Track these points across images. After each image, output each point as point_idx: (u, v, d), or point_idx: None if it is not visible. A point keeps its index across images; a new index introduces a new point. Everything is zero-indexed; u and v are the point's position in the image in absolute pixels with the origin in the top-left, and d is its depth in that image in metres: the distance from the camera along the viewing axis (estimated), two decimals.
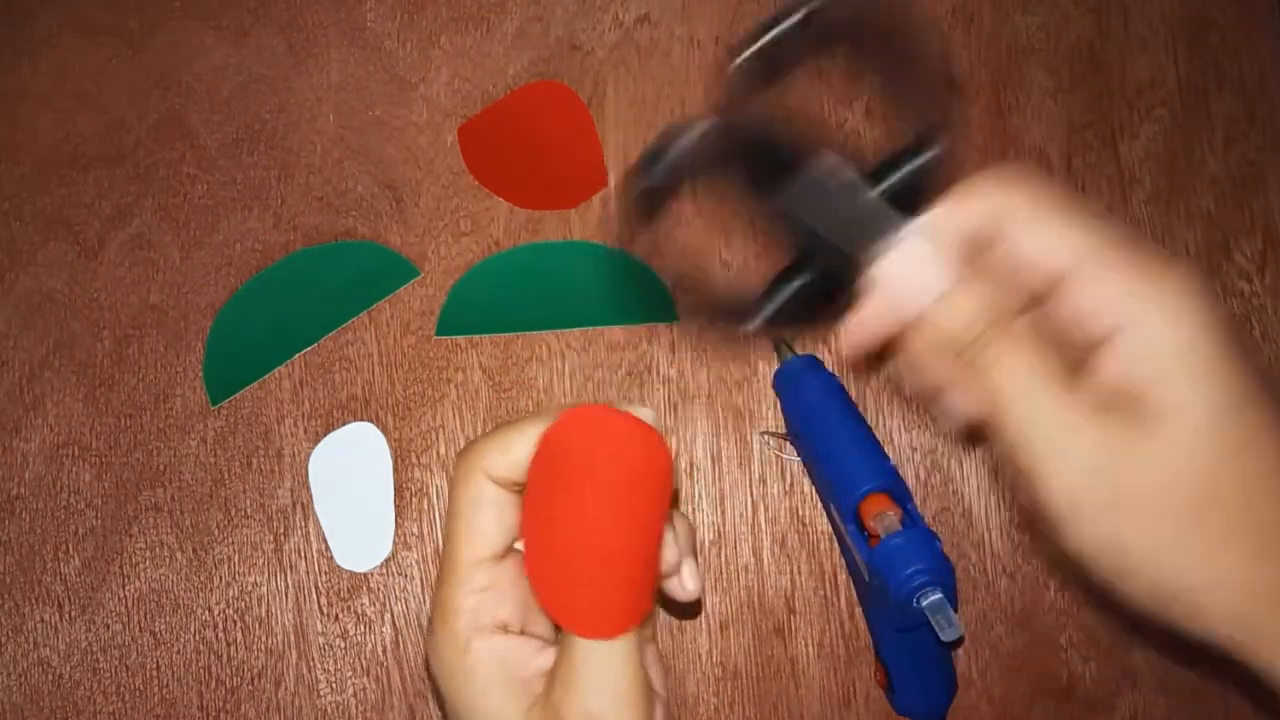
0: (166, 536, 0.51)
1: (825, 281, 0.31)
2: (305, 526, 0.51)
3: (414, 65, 0.56)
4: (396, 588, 0.51)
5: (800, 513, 0.51)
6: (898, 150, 0.33)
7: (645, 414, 0.32)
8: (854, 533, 0.45)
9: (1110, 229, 0.30)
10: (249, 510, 0.51)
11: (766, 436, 0.52)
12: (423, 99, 0.55)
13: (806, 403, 0.49)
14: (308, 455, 0.52)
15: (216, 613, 0.51)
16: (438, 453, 0.52)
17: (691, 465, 0.52)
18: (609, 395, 0.52)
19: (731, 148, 0.33)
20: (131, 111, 0.55)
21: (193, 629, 0.51)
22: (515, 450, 0.32)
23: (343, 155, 0.55)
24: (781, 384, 0.50)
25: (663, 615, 0.51)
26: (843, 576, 0.50)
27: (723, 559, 0.51)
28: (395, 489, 0.51)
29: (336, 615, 0.51)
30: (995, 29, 0.55)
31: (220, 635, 0.51)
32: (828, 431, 0.47)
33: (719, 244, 0.53)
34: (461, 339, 0.53)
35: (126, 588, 0.51)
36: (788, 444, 0.51)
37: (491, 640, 0.33)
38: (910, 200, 0.31)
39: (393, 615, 0.51)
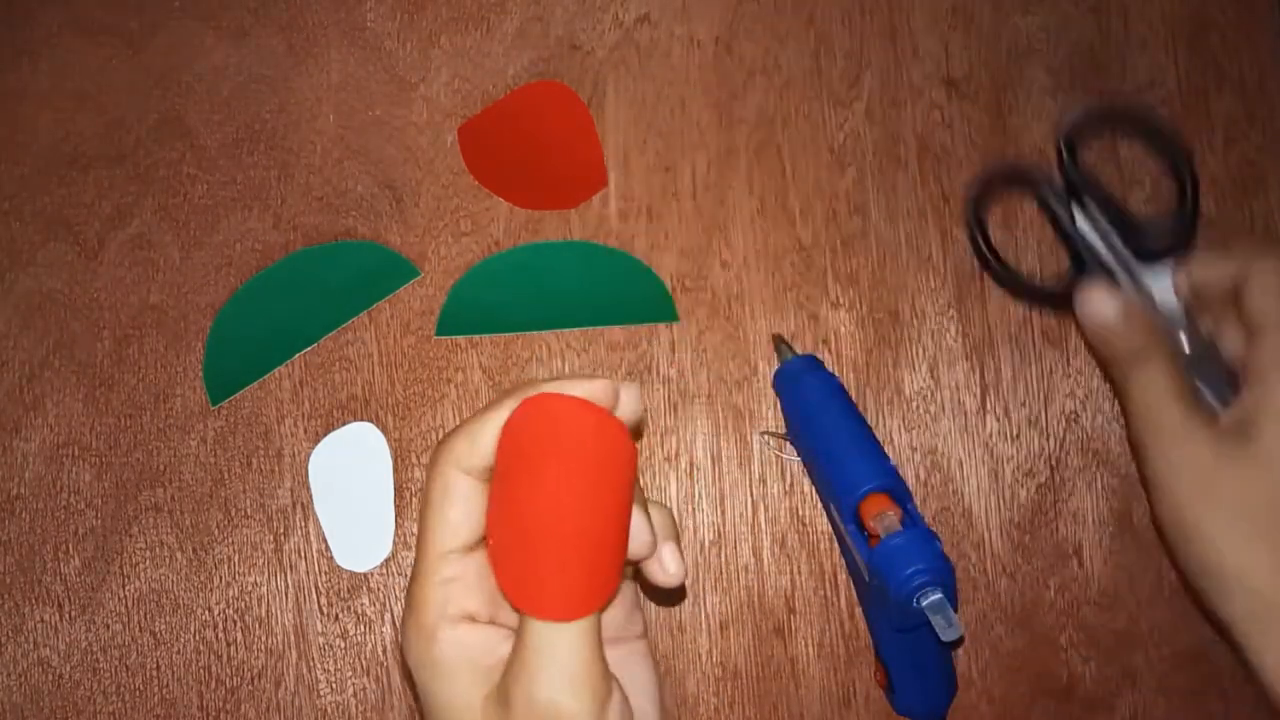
0: (166, 536, 0.51)
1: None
2: (305, 526, 0.51)
3: (414, 65, 0.56)
4: (396, 588, 0.51)
5: (800, 513, 0.51)
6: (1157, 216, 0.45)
7: (592, 387, 0.32)
8: (854, 533, 0.45)
9: None
10: (249, 510, 0.51)
11: (766, 436, 0.52)
12: (423, 99, 0.55)
13: (806, 403, 0.49)
14: (308, 455, 0.52)
15: (216, 613, 0.51)
16: None
17: (691, 465, 0.52)
18: None
19: (1067, 183, 0.45)
20: (131, 111, 0.55)
21: (193, 629, 0.51)
22: (481, 440, 0.33)
23: (343, 155, 0.55)
24: (781, 384, 0.50)
25: (662, 615, 0.51)
26: (843, 576, 0.50)
27: (723, 559, 0.51)
28: (395, 489, 0.51)
29: (336, 615, 0.51)
30: (995, 29, 0.55)
31: (220, 635, 0.51)
32: (828, 431, 0.47)
33: (719, 244, 0.53)
34: (461, 339, 0.53)
35: (126, 588, 0.51)
36: (788, 444, 0.51)
37: (457, 630, 0.33)
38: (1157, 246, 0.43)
39: (393, 615, 0.51)
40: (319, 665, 0.50)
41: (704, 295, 0.53)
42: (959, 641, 0.50)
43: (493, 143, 0.55)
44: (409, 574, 0.51)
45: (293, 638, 0.50)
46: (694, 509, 0.51)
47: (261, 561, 0.51)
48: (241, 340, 0.53)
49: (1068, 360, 0.53)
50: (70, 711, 0.50)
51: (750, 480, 0.52)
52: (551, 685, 0.31)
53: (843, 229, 0.53)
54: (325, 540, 0.51)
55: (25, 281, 0.54)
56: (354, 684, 0.50)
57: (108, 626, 0.51)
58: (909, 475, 0.51)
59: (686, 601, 0.51)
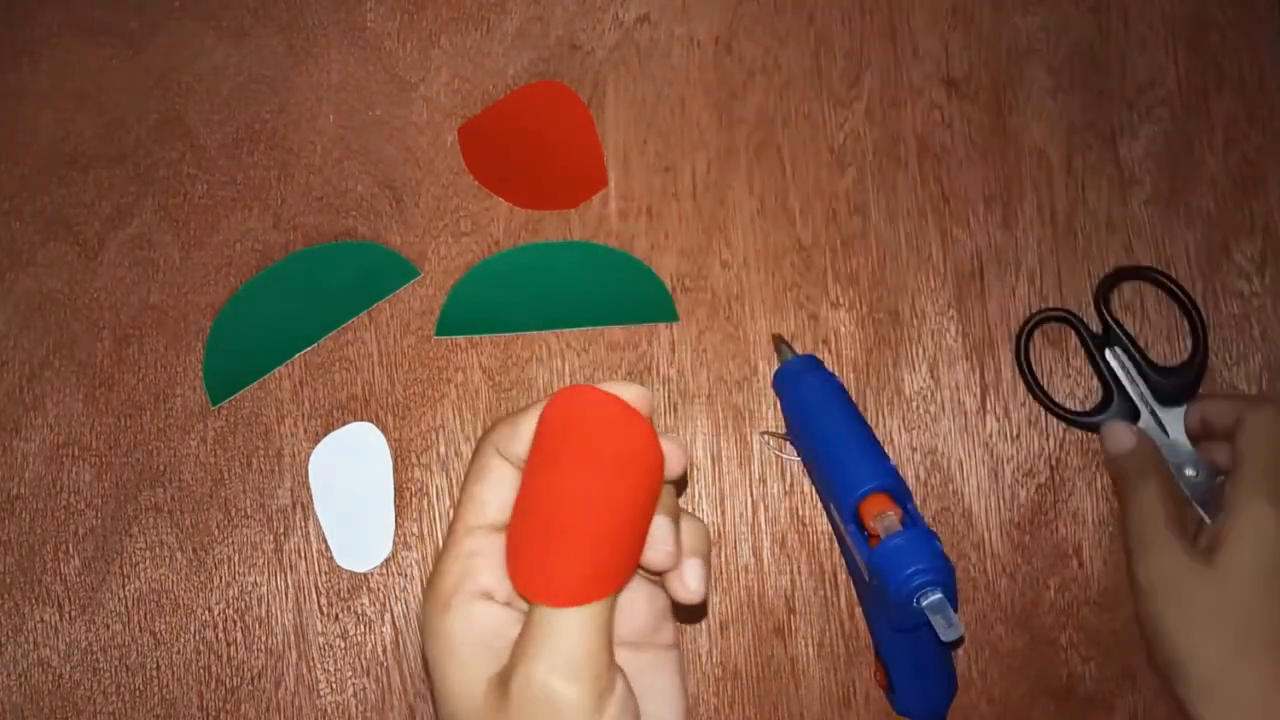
0: (166, 536, 0.51)
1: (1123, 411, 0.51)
2: (305, 526, 0.51)
3: (414, 65, 0.56)
4: (396, 588, 0.51)
5: (800, 513, 0.51)
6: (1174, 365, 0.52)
7: (630, 392, 0.33)
8: (854, 533, 0.45)
9: None
10: (249, 510, 0.51)
11: (766, 436, 0.52)
12: (423, 99, 0.55)
13: (806, 403, 0.49)
14: (308, 455, 0.52)
15: (216, 613, 0.51)
16: (438, 453, 0.52)
17: (691, 465, 0.52)
18: None
19: (1102, 327, 0.52)
20: (131, 111, 0.55)
21: (193, 629, 0.51)
22: (522, 428, 0.34)
23: (343, 155, 0.55)
24: (781, 384, 0.50)
25: None
26: (843, 576, 0.50)
27: (723, 559, 0.51)
28: (395, 489, 0.51)
29: (336, 615, 0.51)
30: (995, 29, 0.55)
31: (220, 635, 0.51)
32: (828, 431, 0.47)
33: (719, 244, 0.53)
34: (461, 339, 0.53)
35: (126, 588, 0.51)
36: (788, 444, 0.51)
37: (471, 604, 0.33)
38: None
39: (393, 615, 0.51)
40: (319, 665, 0.50)
41: (704, 295, 0.53)
42: (959, 641, 0.50)
43: (493, 143, 0.55)
44: (409, 574, 0.51)
45: (293, 638, 0.50)
46: (694, 509, 0.51)
47: (261, 561, 0.51)
48: (241, 340, 0.53)
49: (1067, 360, 0.53)
50: (70, 711, 0.50)
51: (750, 480, 0.52)
52: (550, 668, 0.31)
53: (843, 229, 0.53)
54: (325, 540, 0.51)
55: (25, 281, 0.54)
56: (354, 684, 0.50)
57: (108, 626, 0.51)
58: (909, 475, 0.51)
59: None
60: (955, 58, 0.55)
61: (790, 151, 0.54)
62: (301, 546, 0.51)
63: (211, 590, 0.51)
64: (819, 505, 0.51)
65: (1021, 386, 0.52)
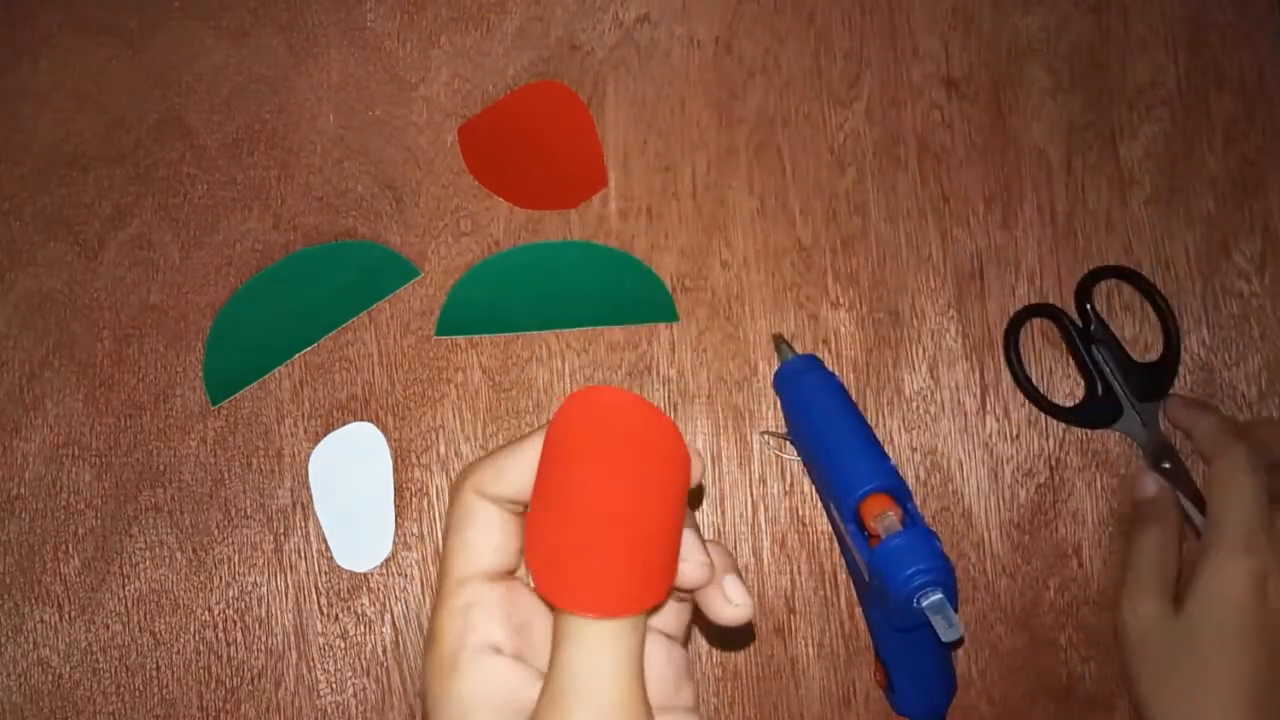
0: (166, 536, 0.51)
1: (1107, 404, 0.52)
2: (305, 526, 0.51)
3: (414, 65, 0.56)
4: (396, 588, 0.51)
5: (800, 513, 0.51)
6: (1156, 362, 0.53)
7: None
8: (854, 533, 0.45)
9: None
10: (249, 510, 0.51)
11: (766, 436, 0.52)
12: (423, 99, 0.55)
13: (806, 402, 0.49)
14: (308, 455, 0.52)
15: (216, 613, 0.51)
16: (438, 453, 0.52)
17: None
18: None
19: (1084, 323, 0.53)
20: (131, 111, 0.55)
21: (193, 629, 0.51)
22: (507, 468, 0.31)
23: (343, 155, 0.55)
24: (781, 384, 0.50)
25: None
26: (843, 576, 0.50)
27: None
28: (395, 489, 0.51)
29: (336, 615, 0.51)
30: (995, 29, 0.55)
31: (220, 635, 0.51)
32: (828, 431, 0.47)
33: (719, 244, 0.53)
34: (461, 339, 0.53)
35: (126, 588, 0.51)
36: (788, 444, 0.51)
37: (481, 661, 0.30)
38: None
39: (393, 615, 0.51)
40: (319, 665, 0.50)
41: (704, 295, 0.53)
42: (959, 642, 0.50)
43: (493, 143, 0.55)
44: (409, 574, 0.51)
45: (293, 638, 0.50)
46: (694, 509, 0.51)
47: (261, 561, 0.51)
48: (241, 340, 0.53)
49: (1067, 360, 0.53)
50: (70, 711, 0.50)
51: (750, 480, 0.52)
52: (585, 715, 0.27)
53: (843, 229, 0.53)
54: (325, 540, 0.51)
55: (25, 281, 0.54)
56: (354, 684, 0.50)
57: (108, 626, 0.51)
58: (909, 475, 0.51)
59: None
60: (955, 58, 0.55)
61: (790, 151, 0.54)
62: (301, 546, 0.51)
63: (211, 590, 0.51)
64: (819, 505, 0.51)
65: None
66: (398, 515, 0.51)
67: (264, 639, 0.51)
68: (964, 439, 0.52)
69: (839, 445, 0.47)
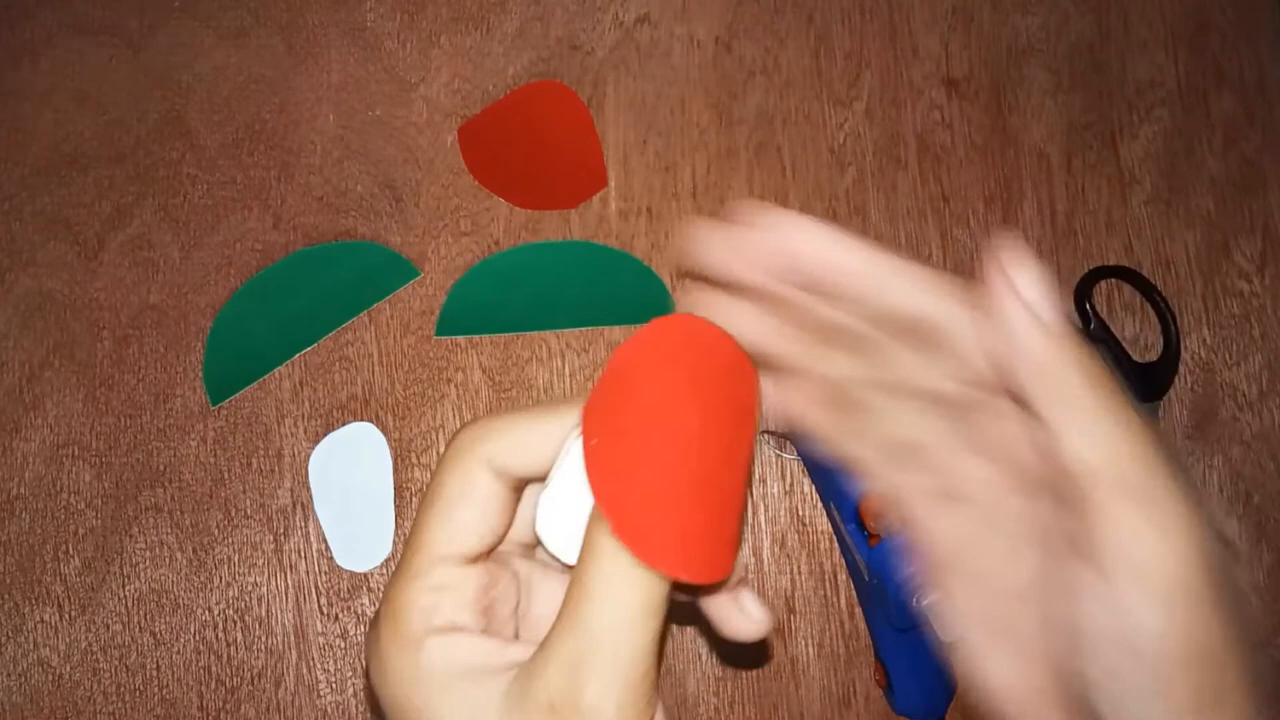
0: (166, 536, 0.51)
1: None
2: (305, 526, 0.51)
3: (414, 65, 0.56)
4: None
5: (800, 513, 0.51)
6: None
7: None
8: (854, 533, 0.45)
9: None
10: (249, 510, 0.51)
11: (766, 436, 0.52)
12: (423, 99, 0.55)
13: None
14: (308, 455, 0.52)
15: (216, 613, 0.51)
16: (438, 453, 0.52)
17: None
18: None
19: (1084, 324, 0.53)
20: (131, 111, 0.55)
21: (193, 629, 0.51)
22: (530, 442, 0.28)
23: (343, 155, 0.55)
24: None
25: None
26: (843, 576, 0.50)
27: None
28: (395, 489, 0.51)
29: (336, 615, 0.51)
30: (995, 29, 0.55)
31: (220, 635, 0.51)
32: None
33: None
34: (461, 339, 0.53)
35: (126, 588, 0.51)
36: (788, 444, 0.51)
37: (450, 637, 0.28)
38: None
39: None
40: (319, 665, 0.50)
41: None
42: None
43: (493, 143, 0.55)
44: None
45: (293, 638, 0.50)
46: None
47: (261, 561, 0.51)
48: (241, 340, 0.53)
49: None
50: (70, 711, 0.50)
51: (750, 480, 0.52)
52: (604, 686, 0.25)
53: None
54: (325, 540, 0.51)
55: (25, 281, 0.54)
56: (354, 684, 0.50)
57: (108, 626, 0.51)
58: None
59: None
60: (955, 58, 0.55)
61: (790, 151, 0.54)
62: (301, 546, 0.51)
63: (211, 590, 0.51)
64: (819, 505, 0.51)
65: None
66: (398, 515, 0.51)
67: (264, 639, 0.51)
68: None
69: None
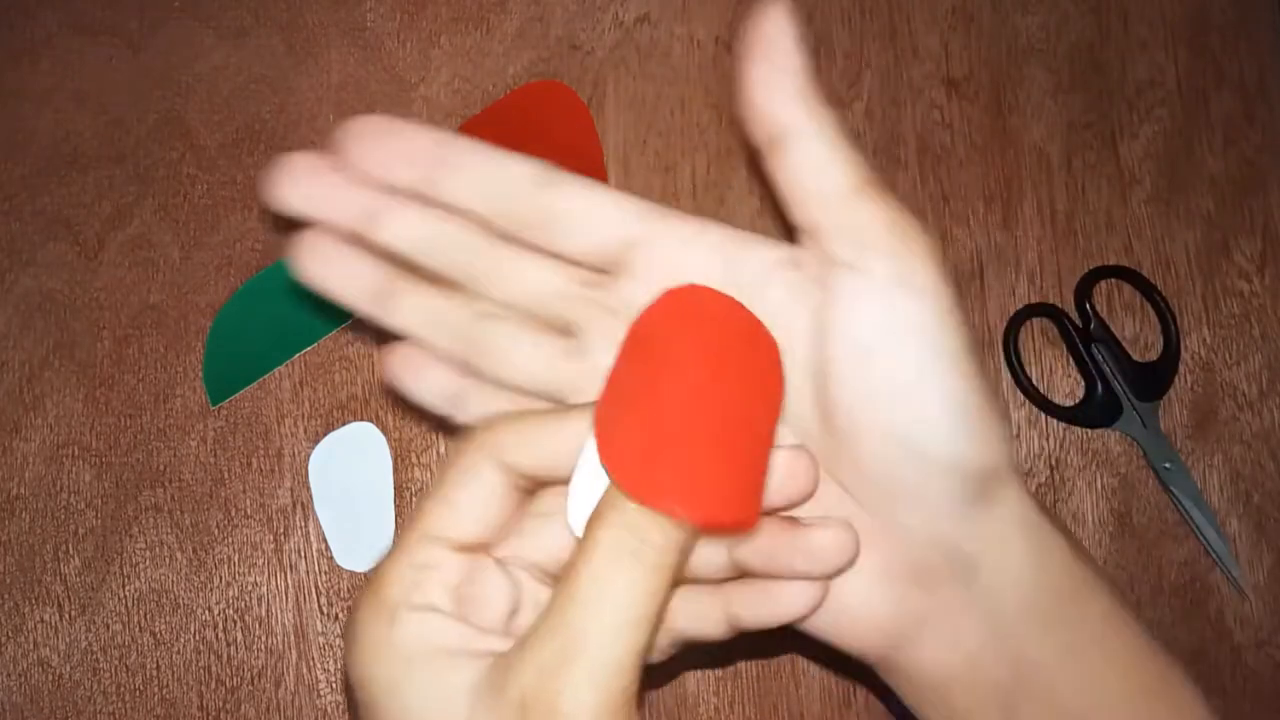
0: (166, 536, 0.51)
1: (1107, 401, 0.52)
2: (305, 526, 0.51)
3: (414, 65, 0.56)
4: None
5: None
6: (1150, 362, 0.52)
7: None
8: None
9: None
10: (249, 510, 0.51)
11: None
12: (423, 99, 0.55)
13: None
14: (308, 455, 0.52)
15: (216, 613, 0.51)
16: (438, 453, 0.52)
17: None
18: None
19: (1083, 322, 0.53)
20: (131, 111, 0.55)
21: (193, 629, 0.51)
22: (539, 441, 0.28)
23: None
24: None
25: None
26: None
27: None
28: (395, 489, 0.51)
29: (336, 615, 0.51)
30: (995, 29, 0.55)
31: (220, 635, 0.51)
32: None
33: None
34: None
35: (126, 588, 0.51)
36: None
37: (424, 614, 0.27)
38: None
39: None
40: (319, 665, 0.50)
41: None
42: None
43: (493, 143, 0.55)
44: None
45: (293, 638, 0.50)
46: None
47: (261, 561, 0.51)
48: (241, 340, 0.53)
49: (1067, 360, 0.53)
50: (70, 711, 0.50)
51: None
52: (577, 684, 0.24)
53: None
54: (325, 540, 0.51)
55: (25, 281, 0.54)
56: None
57: (108, 626, 0.51)
58: None
59: None
60: (955, 58, 0.55)
61: None
62: (301, 546, 0.51)
63: (211, 590, 0.51)
64: None
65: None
66: (398, 515, 0.51)
67: (264, 639, 0.51)
68: None
69: None
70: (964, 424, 0.29)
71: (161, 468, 0.52)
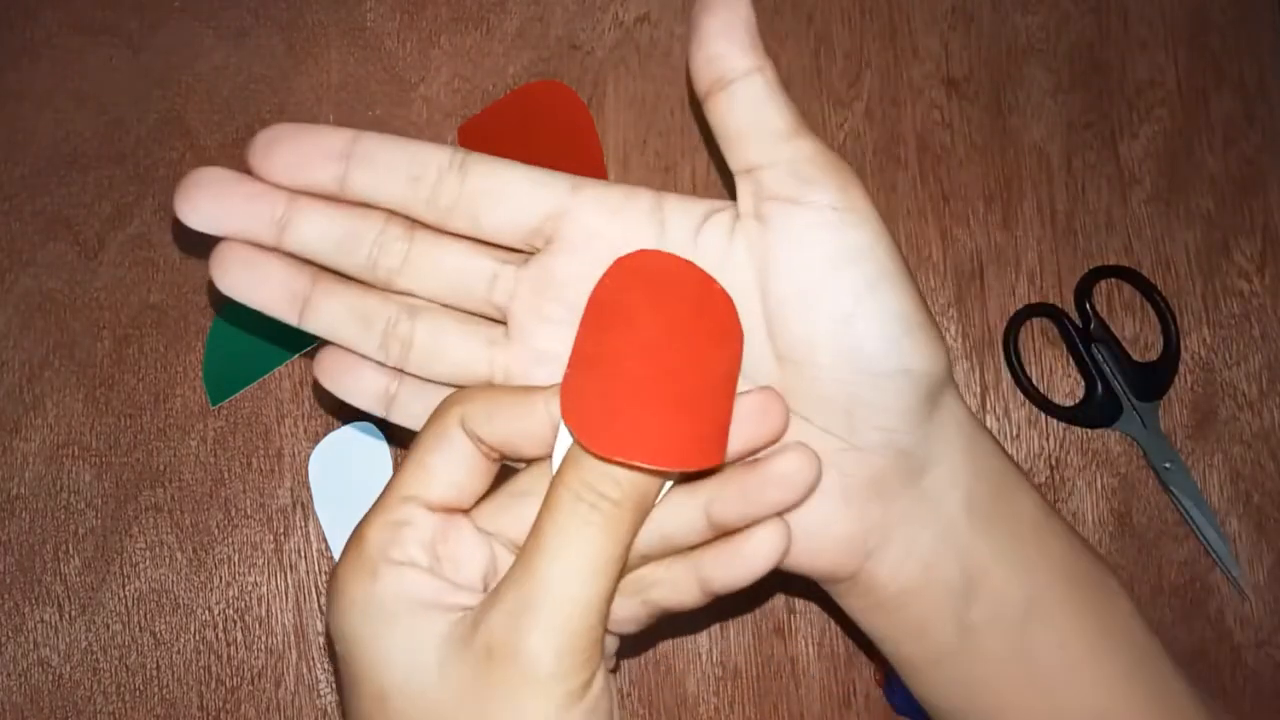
0: (166, 536, 0.51)
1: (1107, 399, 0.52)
2: (305, 526, 0.51)
3: (414, 65, 0.56)
4: None
5: None
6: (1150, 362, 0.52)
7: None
8: None
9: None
10: (249, 510, 0.51)
11: None
12: (423, 99, 0.55)
13: None
14: (308, 455, 0.52)
15: (216, 613, 0.51)
16: None
17: None
18: None
19: (1083, 322, 0.53)
20: (131, 111, 0.55)
21: (193, 629, 0.51)
22: (502, 414, 0.29)
23: None
24: None
25: None
26: None
27: None
28: None
29: None
30: (995, 29, 0.55)
31: (220, 635, 0.51)
32: None
33: None
34: None
35: (126, 588, 0.51)
36: None
37: (404, 570, 0.29)
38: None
39: None
40: (319, 665, 0.50)
41: None
42: None
43: (493, 143, 0.55)
44: None
45: (293, 638, 0.50)
46: None
47: (261, 561, 0.51)
48: (241, 340, 0.53)
49: (1067, 360, 0.53)
50: (70, 711, 0.50)
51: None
52: (542, 632, 0.26)
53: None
54: (325, 540, 0.51)
55: (25, 281, 0.54)
56: None
57: (108, 626, 0.51)
58: None
59: None
60: (955, 58, 0.55)
61: None
62: (301, 546, 0.51)
63: (211, 590, 0.51)
64: None
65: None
66: None
67: (264, 639, 0.51)
68: None
69: None
70: (910, 336, 0.31)
71: (161, 468, 0.52)
